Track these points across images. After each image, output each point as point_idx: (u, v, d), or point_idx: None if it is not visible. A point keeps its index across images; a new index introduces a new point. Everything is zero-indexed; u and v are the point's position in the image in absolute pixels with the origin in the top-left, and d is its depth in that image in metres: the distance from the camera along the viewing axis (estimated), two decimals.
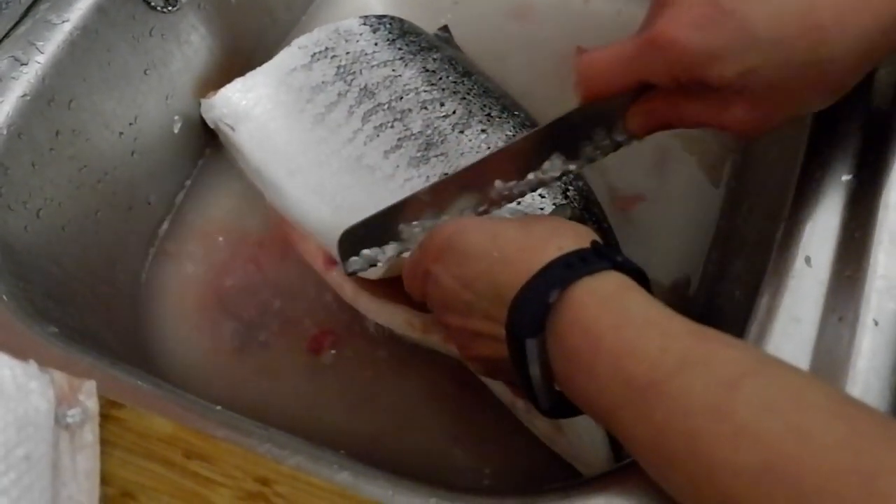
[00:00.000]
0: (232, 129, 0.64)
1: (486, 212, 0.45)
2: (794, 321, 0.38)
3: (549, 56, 0.72)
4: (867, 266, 0.39)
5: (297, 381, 0.57)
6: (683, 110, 0.39)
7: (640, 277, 0.36)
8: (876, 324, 0.37)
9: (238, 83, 0.66)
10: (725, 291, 0.51)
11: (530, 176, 0.44)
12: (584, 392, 0.34)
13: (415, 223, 0.45)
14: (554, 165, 0.43)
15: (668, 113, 0.39)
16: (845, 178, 0.42)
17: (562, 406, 0.36)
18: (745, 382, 0.29)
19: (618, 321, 0.33)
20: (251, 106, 0.65)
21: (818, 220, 0.41)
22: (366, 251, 0.45)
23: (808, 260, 0.40)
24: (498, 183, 0.44)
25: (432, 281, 0.41)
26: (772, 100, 0.37)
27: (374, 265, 0.46)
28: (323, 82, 0.64)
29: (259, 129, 0.63)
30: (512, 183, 0.44)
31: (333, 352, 0.58)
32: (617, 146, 0.43)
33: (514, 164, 0.44)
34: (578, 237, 0.37)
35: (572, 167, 0.44)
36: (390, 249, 0.45)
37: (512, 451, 0.51)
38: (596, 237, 0.38)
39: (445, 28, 0.73)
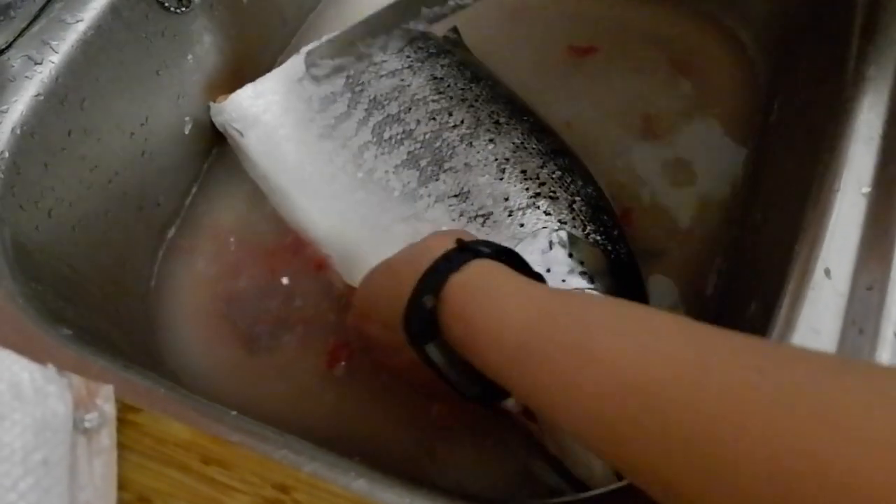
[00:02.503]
0: (241, 134, 0.64)
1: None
2: (813, 333, 0.38)
3: (555, 56, 0.72)
4: (888, 278, 0.39)
5: (310, 387, 0.56)
6: None
7: (512, 256, 0.41)
8: None
9: (248, 89, 0.66)
10: (740, 302, 0.50)
11: (449, 2, 0.56)
12: (485, 370, 0.36)
13: (367, 41, 0.61)
14: None
15: None
16: (865, 190, 0.42)
17: (492, 390, 0.39)
18: (603, 321, 0.32)
19: (483, 301, 0.37)
20: (260, 112, 0.64)
21: (838, 232, 0.41)
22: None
23: (827, 272, 0.40)
24: (423, 9, 0.58)
25: (362, 320, 0.48)
26: None
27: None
28: (332, 93, 0.64)
29: (268, 136, 0.63)
30: (436, 8, 0.57)
31: (343, 364, 0.57)
32: None
33: None
34: (450, 240, 0.41)
35: None
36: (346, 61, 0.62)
37: (524, 465, 0.51)
38: (466, 235, 0.43)
39: (455, 30, 0.73)
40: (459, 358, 0.38)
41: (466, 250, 0.40)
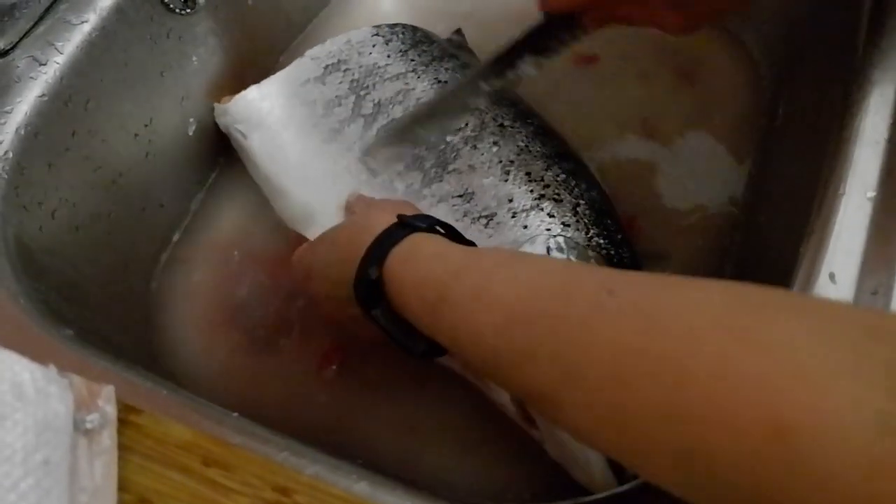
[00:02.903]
0: (244, 136, 0.64)
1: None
2: None
3: (559, 65, 0.72)
4: (893, 283, 0.39)
5: (309, 390, 0.56)
6: (625, 15, 0.49)
7: (447, 228, 0.46)
8: None
9: (253, 91, 0.65)
10: None
11: (509, 75, 0.54)
12: (419, 327, 0.41)
13: (426, 125, 0.59)
14: (528, 62, 0.53)
15: (614, 15, 0.50)
16: (870, 194, 0.42)
17: (436, 347, 0.42)
18: (499, 270, 0.36)
19: (413, 267, 0.41)
20: (265, 114, 0.64)
21: (842, 236, 0.41)
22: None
23: (832, 276, 0.40)
24: (483, 84, 0.55)
25: (308, 281, 0.52)
26: (699, 8, 0.48)
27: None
28: (337, 96, 0.64)
29: (271, 138, 0.63)
30: (493, 81, 0.56)
31: (334, 367, 0.58)
32: (576, 38, 0.52)
33: (494, 70, 0.55)
34: (392, 215, 0.46)
35: (543, 61, 0.53)
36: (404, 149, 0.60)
37: (523, 469, 0.51)
38: (407, 210, 0.48)
39: (459, 31, 0.73)
40: (403, 320, 0.42)
41: (405, 225, 0.44)
